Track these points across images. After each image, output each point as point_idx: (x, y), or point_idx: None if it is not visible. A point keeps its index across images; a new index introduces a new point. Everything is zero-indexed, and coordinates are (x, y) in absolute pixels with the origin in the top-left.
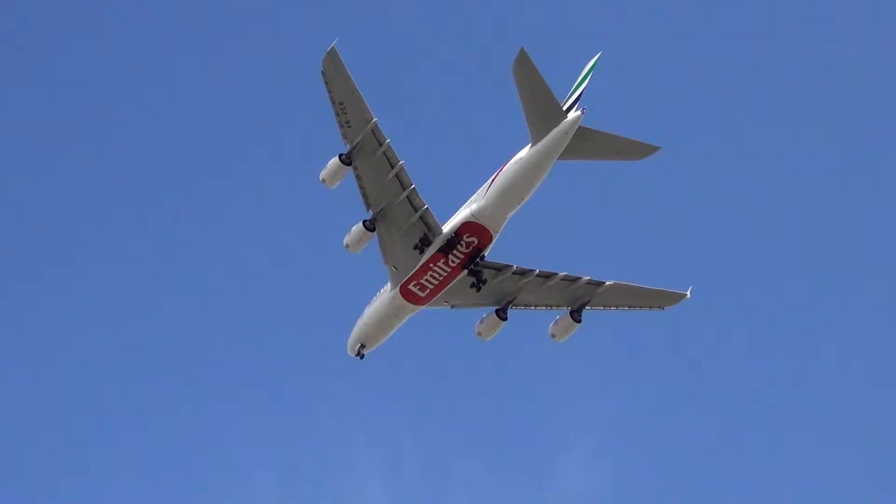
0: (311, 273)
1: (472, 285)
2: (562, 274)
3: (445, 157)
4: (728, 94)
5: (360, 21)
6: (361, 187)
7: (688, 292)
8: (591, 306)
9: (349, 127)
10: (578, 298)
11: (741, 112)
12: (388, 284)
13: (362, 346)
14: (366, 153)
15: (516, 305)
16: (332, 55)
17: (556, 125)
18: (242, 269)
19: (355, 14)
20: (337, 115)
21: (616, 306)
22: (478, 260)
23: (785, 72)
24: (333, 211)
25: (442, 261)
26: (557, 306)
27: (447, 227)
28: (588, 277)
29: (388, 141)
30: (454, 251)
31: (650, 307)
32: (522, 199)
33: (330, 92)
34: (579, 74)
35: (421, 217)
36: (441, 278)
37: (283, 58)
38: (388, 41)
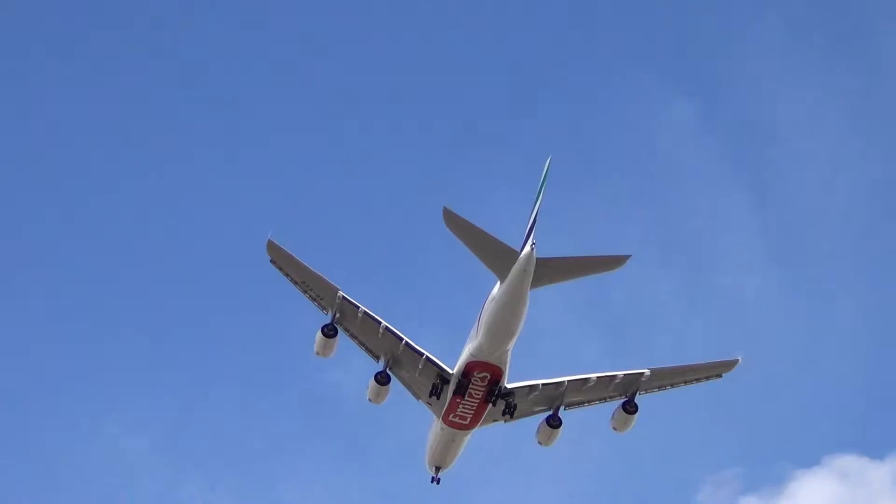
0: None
1: (504, 412)
2: (595, 375)
3: (426, 297)
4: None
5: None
6: (361, 344)
7: (739, 358)
8: (644, 391)
9: (322, 299)
10: (629, 387)
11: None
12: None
13: (437, 469)
14: (349, 318)
15: (568, 407)
16: (272, 247)
17: (512, 264)
18: None
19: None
20: (304, 292)
21: (672, 385)
22: (497, 392)
23: None
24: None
25: (463, 399)
26: (610, 398)
27: (456, 368)
28: (623, 372)
29: (361, 308)
30: (470, 390)
31: (707, 378)
32: (513, 332)
33: (287, 276)
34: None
35: (428, 360)
36: (473, 411)
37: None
38: (334, 199)
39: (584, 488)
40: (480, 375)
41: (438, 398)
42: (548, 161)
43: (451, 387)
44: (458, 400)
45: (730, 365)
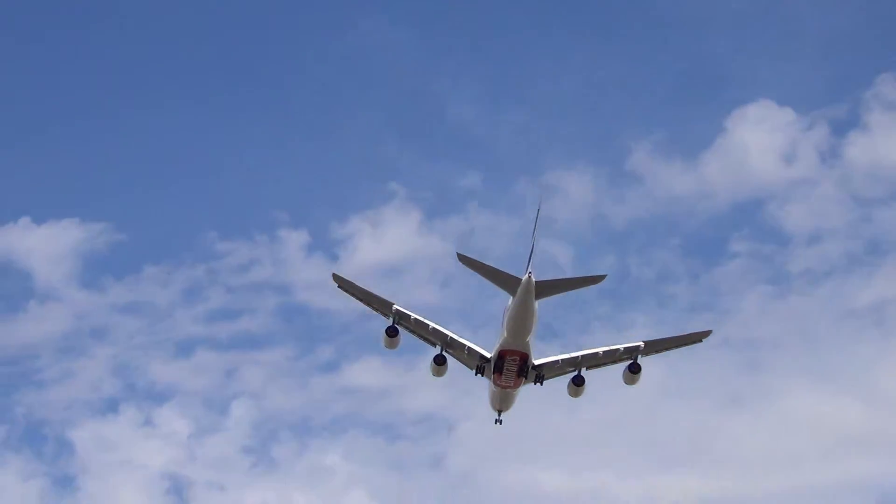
0: None
1: (535, 380)
2: (602, 350)
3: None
4: None
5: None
6: (419, 336)
7: (710, 330)
8: (643, 356)
9: (382, 309)
10: (631, 353)
11: None
12: None
13: (500, 412)
14: (405, 321)
15: (589, 368)
16: (336, 278)
17: (517, 286)
18: None
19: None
20: (368, 305)
21: (667, 349)
22: (527, 370)
23: None
24: None
25: (502, 375)
26: (620, 360)
27: (493, 354)
28: (624, 345)
29: (413, 316)
30: (506, 368)
31: (693, 343)
32: (528, 331)
33: (353, 296)
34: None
35: (470, 349)
36: (512, 381)
37: None
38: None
39: None
40: (511, 359)
41: (483, 375)
42: (539, 203)
43: (491, 367)
44: (499, 375)
45: (705, 334)
